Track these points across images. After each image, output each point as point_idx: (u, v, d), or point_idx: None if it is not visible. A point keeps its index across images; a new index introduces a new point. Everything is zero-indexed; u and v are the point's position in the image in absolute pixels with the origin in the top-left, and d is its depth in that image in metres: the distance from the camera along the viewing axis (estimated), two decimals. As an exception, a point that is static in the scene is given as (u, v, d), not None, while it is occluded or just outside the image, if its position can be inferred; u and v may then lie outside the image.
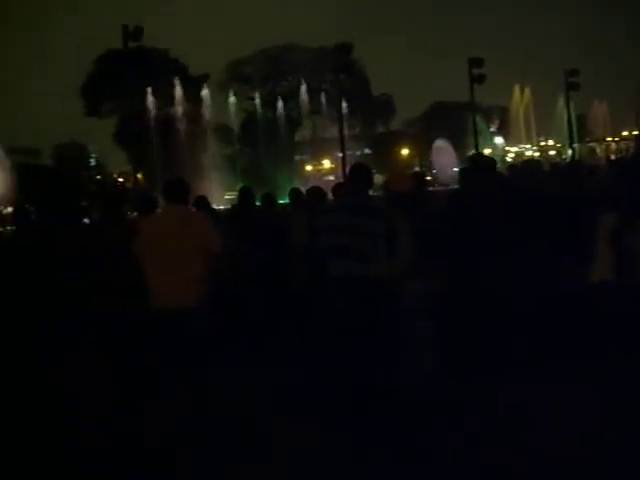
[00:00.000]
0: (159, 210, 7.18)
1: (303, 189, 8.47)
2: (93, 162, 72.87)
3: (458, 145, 53.83)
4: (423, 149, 62.03)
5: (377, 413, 4.76)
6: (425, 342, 5.39)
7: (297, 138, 60.45)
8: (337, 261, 5.15)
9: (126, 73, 34.86)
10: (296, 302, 6.63)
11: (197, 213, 6.83)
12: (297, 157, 59.34)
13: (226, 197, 42.50)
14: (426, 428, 4.77)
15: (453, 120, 60.65)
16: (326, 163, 63.37)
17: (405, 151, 63.45)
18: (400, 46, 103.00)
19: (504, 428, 4.79)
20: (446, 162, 45.92)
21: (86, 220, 13.13)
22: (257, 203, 8.64)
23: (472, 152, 13.50)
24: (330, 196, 7.65)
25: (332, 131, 53.88)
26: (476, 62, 35.69)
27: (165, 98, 53.67)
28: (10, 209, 54.51)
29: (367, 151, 60.50)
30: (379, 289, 4.98)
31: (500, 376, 5.50)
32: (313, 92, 57.42)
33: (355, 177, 5.34)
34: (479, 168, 6.45)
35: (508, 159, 56.42)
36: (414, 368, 5.18)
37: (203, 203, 8.15)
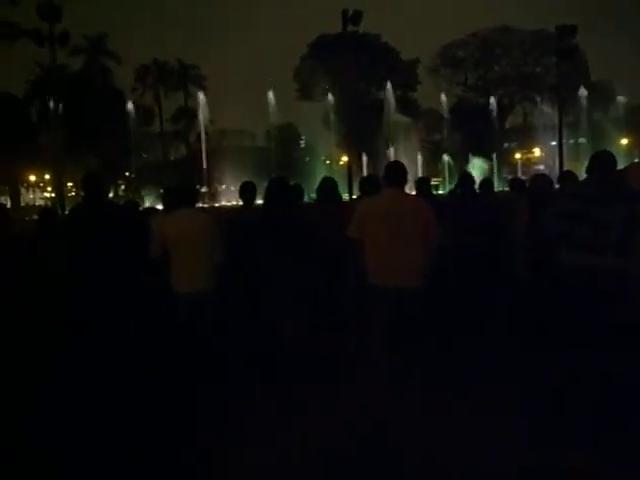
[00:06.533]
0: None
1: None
2: (303, 144, 75.95)
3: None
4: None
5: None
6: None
7: (507, 125, 58.57)
8: (567, 250, 5.01)
9: (339, 57, 35.82)
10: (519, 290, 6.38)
11: (419, 199, 6.75)
12: (506, 144, 57.51)
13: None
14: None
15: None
16: (536, 151, 60.87)
17: (624, 141, 58.98)
18: (625, 27, 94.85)
19: None
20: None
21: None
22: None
23: None
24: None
25: (544, 118, 51.60)
26: None
27: (376, 82, 54.59)
28: (223, 186, 58.54)
29: (582, 140, 57.14)
30: (610, 282, 4.81)
31: None
32: (526, 77, 55.33)
33: (600, 165, 5.05)
34: None
35: None
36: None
37: (424, 188, 8.09)
